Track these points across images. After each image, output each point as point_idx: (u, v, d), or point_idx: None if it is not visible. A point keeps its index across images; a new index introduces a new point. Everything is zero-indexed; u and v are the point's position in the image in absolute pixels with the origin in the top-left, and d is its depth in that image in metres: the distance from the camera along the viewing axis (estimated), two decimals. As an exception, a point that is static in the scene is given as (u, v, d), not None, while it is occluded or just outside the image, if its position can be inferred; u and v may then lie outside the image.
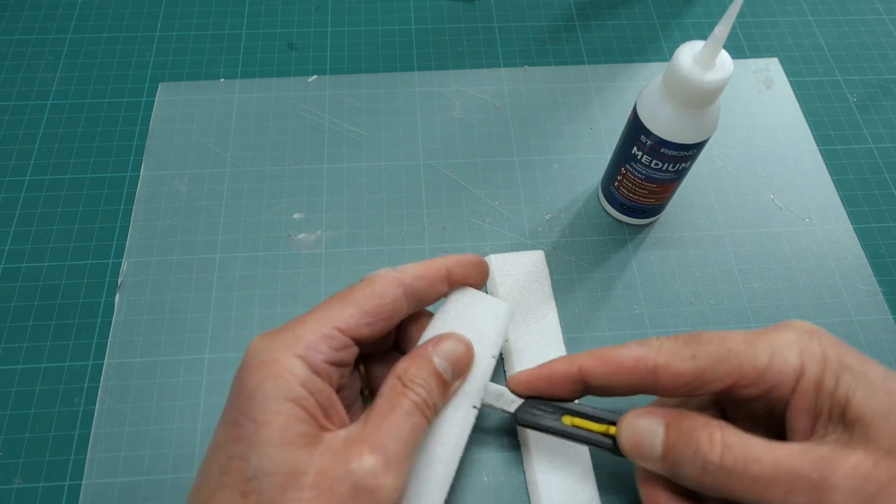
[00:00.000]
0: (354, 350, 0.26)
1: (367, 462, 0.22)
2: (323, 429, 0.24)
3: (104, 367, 0.34)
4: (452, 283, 0.29)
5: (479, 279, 0.30)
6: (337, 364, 0.25)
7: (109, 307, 0.36)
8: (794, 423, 0.24)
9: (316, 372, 0.24)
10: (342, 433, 0.24)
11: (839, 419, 0.23)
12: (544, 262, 0.36)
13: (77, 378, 0.34)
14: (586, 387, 0.27)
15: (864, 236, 0.40)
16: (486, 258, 0.31)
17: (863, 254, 0.39)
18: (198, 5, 0.48)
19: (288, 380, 0.23)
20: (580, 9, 0.50)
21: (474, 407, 0.28)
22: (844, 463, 0.22)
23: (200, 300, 0.36)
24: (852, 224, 0.40)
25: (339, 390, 0.26)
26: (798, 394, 0.24)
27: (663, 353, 0.26)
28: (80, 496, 0.31)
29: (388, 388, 0.25)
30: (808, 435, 0.24)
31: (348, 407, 0.27)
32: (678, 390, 0.26)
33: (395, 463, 0.23)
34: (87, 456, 0.32)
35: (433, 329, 0.29)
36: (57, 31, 0.47)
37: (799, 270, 0.38)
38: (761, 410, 0.26)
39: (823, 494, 0.22)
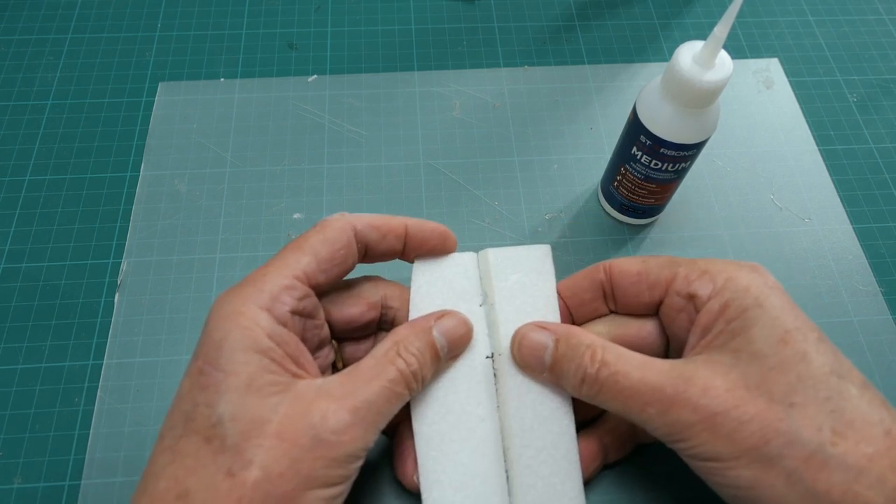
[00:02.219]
0: (314, 300, 0.26)
1: (331, 419, 0.22)
2: (296, 376, 0.24)
3: (104, 367, 0.34)
4: (410, 245, 0.29)
5: (438, 247, 0.30)
6: (300, 314, 0.25)
7: (109, 307, 0.36)
8: (691, 339, 0.26)
9: (282, 323, 0.24)
10: (318, 382, 0.24)
11: (723, 346, 0.24)
12: (550, 259, 0.31)
13: (77, 378, 0.34)
14: (569, 309, 0.30)
15: (864, 236, 0.40)
16: (483, 253, 0.30)
17: (863, 254, 0.39)
18: (198, 5, 0.48)
19: (255, 332, 0.23)
20: (580, 9, 0.50)
21: (487, 357, 0.29)
22: (698, 381, 0.23)
23: (200, 300, 0.36)
24: (852, 224, 0.40)
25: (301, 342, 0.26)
26: (703, 312, 0.26)
27: (619, 258, 0.29)
28: (80, 496, 0.31)
29: (382, 350, 0.25)
30: (693, 352, 0.26)
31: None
32: (629, 290, 0.28)
33: (360, 425, 0.23)
34: (87, 456, 0.32)
35: (415, 307, 0.29)
36: (57, 31, 0.47)
37: (799, 271, 0.38)
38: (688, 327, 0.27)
39: (671, 406, 0.23)
